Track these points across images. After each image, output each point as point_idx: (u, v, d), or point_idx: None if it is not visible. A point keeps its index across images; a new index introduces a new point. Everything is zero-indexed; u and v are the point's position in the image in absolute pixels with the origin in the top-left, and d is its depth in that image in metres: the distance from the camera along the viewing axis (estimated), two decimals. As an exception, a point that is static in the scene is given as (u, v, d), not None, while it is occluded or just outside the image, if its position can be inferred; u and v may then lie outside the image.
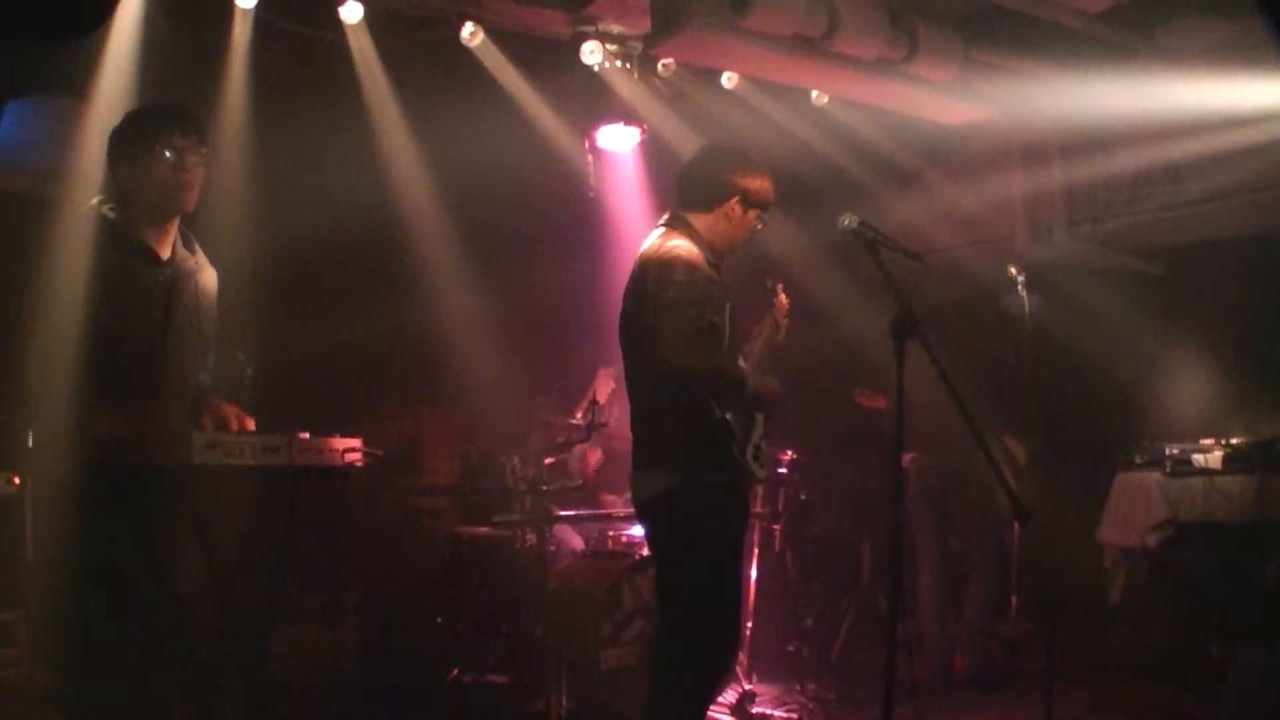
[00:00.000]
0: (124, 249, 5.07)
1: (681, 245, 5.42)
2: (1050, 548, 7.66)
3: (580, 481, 8.57)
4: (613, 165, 9.56)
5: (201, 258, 5.42)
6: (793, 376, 6.08)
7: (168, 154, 5.10)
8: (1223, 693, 7.53)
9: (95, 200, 5.17)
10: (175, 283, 5.21)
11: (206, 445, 4.77)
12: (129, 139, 5.16)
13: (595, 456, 9.10)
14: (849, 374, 9.77)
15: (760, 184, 5.66)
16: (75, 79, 7.18)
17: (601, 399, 8.34)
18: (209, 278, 5.46)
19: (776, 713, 7.77)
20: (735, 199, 5.60)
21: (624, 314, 5.58)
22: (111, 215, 5.11)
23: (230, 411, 5.24)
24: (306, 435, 5.12)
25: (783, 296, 6.07)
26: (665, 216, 5.69)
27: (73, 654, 4.92)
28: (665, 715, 5.36)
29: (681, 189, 5.73)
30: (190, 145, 5.17)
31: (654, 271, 5.34)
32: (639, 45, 8.72)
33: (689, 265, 5.33)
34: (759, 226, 5.74)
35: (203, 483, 4.96)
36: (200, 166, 5.22)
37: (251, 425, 5.22)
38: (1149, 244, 10.69)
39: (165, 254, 5.20)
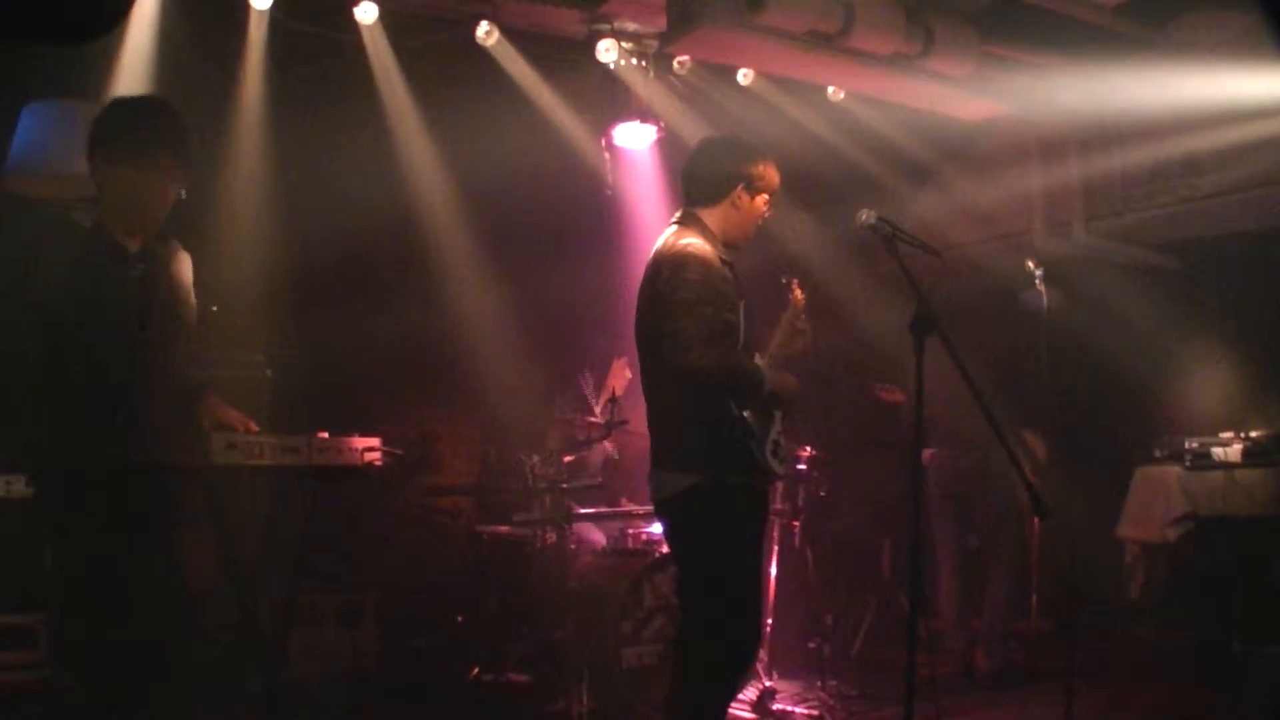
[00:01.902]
0: (91, 248, 5.04)
1: (694, 243, 5.41)
2: (1069, 545, 7.63)
3: (600, 479, 8.58)
4: (629, 163, 9.57)
5: (173, 244, 5.35)
6: (811, 373, 6.07)
7: (153, 173, 5.06)
8: (1244, 689, 7.52)
9: (65, 205, 5.15)
10: (147, 276, 5.17)
11: (226, 446, 4.79)
12: (119, 143, 5.07)
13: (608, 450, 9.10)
14: (868, 370, 9.77)
15: (762, 168, 5.65)
16: (91, 82, 7.19)
17: (619, 391, 8.32)
18: (181, 263, 5.38)
19: (797, 710, 7.76)
20: (740, 187, 5.59)
21: (639, 314, 5.57)
22: (78, 218, 5.09)
23: (234, 416, 5.24)
24: (325, 435, 5.13)
25: (798, 292, 6.05)
26: (677, 214, 5.68)
27: (93, 655, 4.92)
28: (686, 713, 5.36)
29: (686, 186, 5.73)
30: (178, 167, 5.13)
31: (668, 271, 5.34)
32: (654, 43, 8.72)
33: (702, 263, 5.33)
34: (768, 212, 5.73)
35: (222, 483, 4.96)
36: (179, 187, 5.18)
37: (255, 429, 5.22)
38: (1167, 238, 10.68)
39: (134, 247, 5.17)
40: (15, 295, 4.97)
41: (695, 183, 5.68)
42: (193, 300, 5.44)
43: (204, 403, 5.28)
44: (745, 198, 5.61)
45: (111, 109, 5.24)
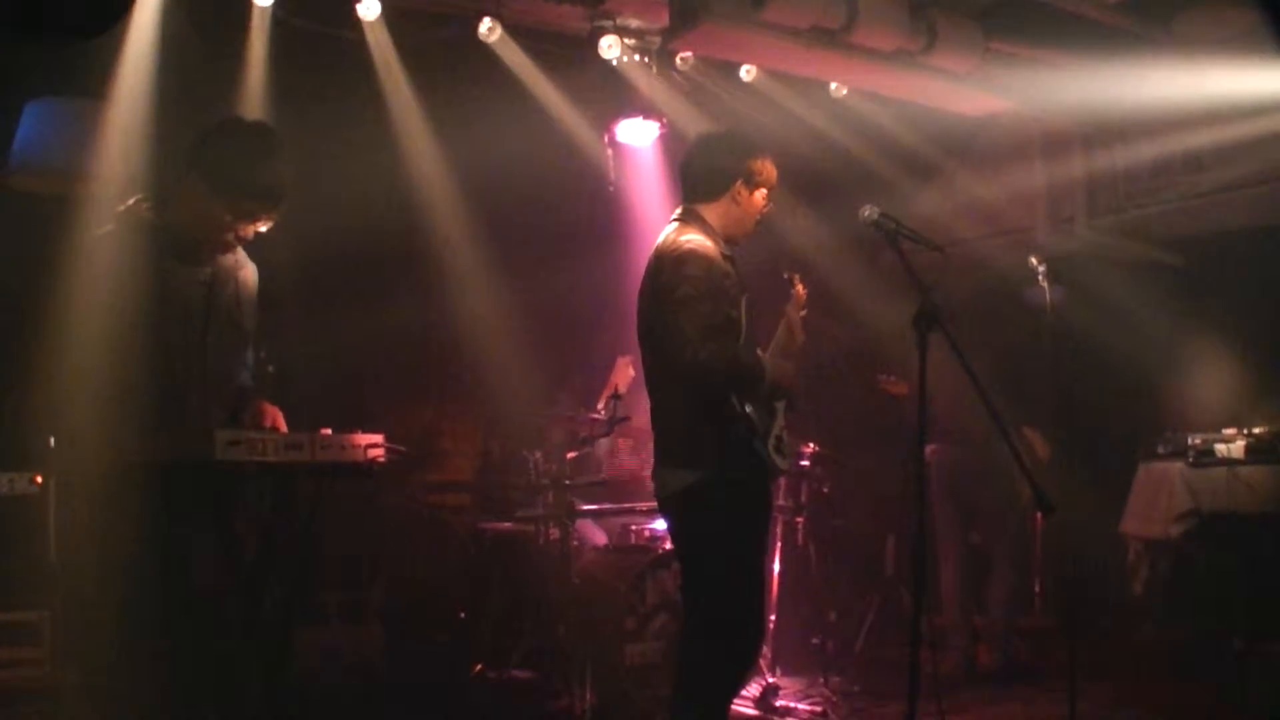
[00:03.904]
0: (162, 248, 5.06)
1: (695, 239, 5.40)
2: (1072, 541, 7.63)
3: (604, 476, 8.57)
4: (632, 159, 9.56)
5: (241, 254, 5.41)
6: (814, 369, 6.08)
7: (245, 220, 5.12)
8: (1246, 686, 7.51)
9: (132, 200, 5.14)
10: (215, 280, 5.21)
11: (229, 442, 4.77)
12: (231, 186, 5.09)
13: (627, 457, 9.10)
14: (871, 366, 9.76)
15: (761, 163, 5.64)
16: (94, 79, 7.19)
17: (622, 389, 8.31)
18: (249, 274, 5.46)
19: (800, 706, 7.77)
20: (739, 182, 5.58)
21: (640, 311, 5.57)
22: (150, 215, 5.10)
23: (269, 410, 5.27)
24: (329, 432, 5.12)
25: (800, 287, 6.05)
26: (678, 211, 5.68)
27: (99, 653, 4.92)
28: (689, 710, 5.35)
29: (685, 182, 5.72)
30: (264, 223, 5.19)
31: (669, 267, 5.33)
32: (657, 39, 8.72)
33: (704, 259, 5.32)
34: (768, 207, 5.73)
35: (225, 480, 4.96)
36: (251, 235, 5.24)
37: (284, 427, 5.24)
38: (1170, 234, 10.68)
39: (203, 253, 5.20)
40: (74, 291, 4.99)
41: (695, 178, 5.68)
42: (255, 309, 5.47)
43: (247, 404, 5.33)
44: (745, 193, 5.60)
45: (242, 142, 5.26)
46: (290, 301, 7.94)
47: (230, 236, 5.18)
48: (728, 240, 5.57)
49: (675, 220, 5.62)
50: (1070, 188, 10.52)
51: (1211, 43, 8.55)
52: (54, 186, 7.02)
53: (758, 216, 5.71)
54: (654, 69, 8.86)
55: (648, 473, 5.70)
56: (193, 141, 5.20)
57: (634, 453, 9.03)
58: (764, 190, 5.66)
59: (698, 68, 9.08)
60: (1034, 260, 7.47)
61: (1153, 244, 10.85)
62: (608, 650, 7.32)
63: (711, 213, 5.60)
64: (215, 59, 7.92)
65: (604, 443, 8.68)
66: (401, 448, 5.41)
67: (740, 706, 7.45)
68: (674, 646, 6.84)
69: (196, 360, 5.12)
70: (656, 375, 5.52)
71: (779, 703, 7.73)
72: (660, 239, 5.54)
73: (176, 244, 5.10)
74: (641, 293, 5.54)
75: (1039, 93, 9.30)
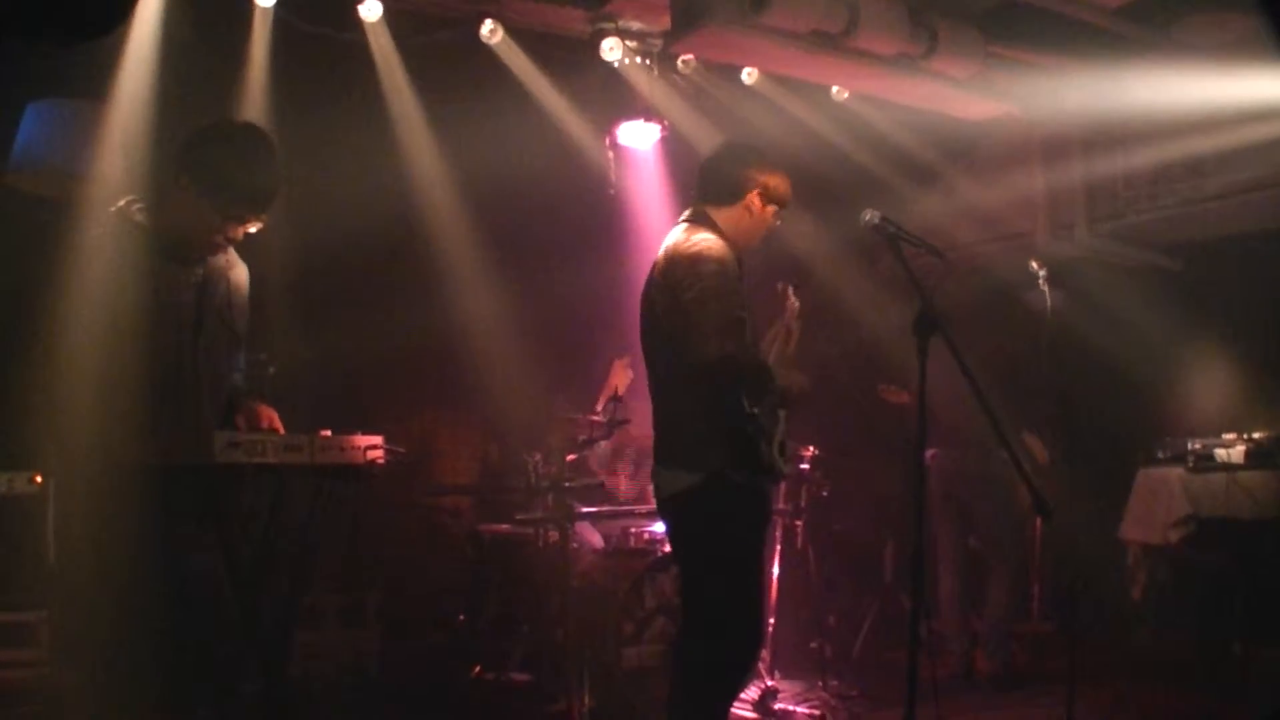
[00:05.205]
0: (154, 250, 5.06)
1: (709, 239, 5.43)
2: (1071, 546, 7.62)
3: (602, 479, 8.56)
4: (633, 162, 9.55)
5: (232, 255, 5.40)
6: (814, 373, 6.07)
7: (235, 223, 5.10)
8: (1245, 691, 7.51)
9: (123, 201, 5.14)
10: (206, 281, 5.21)
11: (228, 444, 4.77)
12: (222, 191, 5.06)
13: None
14: (871, 370, 9.76)
15: (780, 181, 5.71)
16: (95, 80, 7.19)
17: (621, 391, 8.30)
18: (240, 274, 5.44)
19: (799, 709, 7.76)
20: (757, 193, 5.63)
21: (648, 310, 5.56)
22: (140, 218, 5.09)
23: (265, 412, 5.26)
24: (328, 433, 5.12)
25: (793, 300, 6.04)
26: (688, 212, 5.70)
27: (98, 654, 4.91)
28: (687, 713, 5.35)
29: (703, 183, 5.75)
30: (254, 225, 5.18)
31: (684, 264, 5.34)
32: (659, 42, 8.73)
33: (719, 259, 5.34)
34: (776, 224, 5.76)
35: (224, 481, 4.95)
36: (254, 228, 5.23)
37: (281, 429, 5.24)
38: (1170, 240, 10.67)
39: (194, 254, 5.20)
40: (71, 292, 4.98)
41: (713, 181, 5.71)
42: (246, 310, 5.47)
43: (240, 405, 5.32)
44: (759, 204, 5.65)
45: (231, 144, 5.22)
46: (290, 303, 7.94)
47: (220, 238, 5.17)
48: (732, 247, 5.58)
49: (685, 221, 5.64)
50: (1070, 193, 10.51)
51: (1212, 48, 8.56)
52: (55, 187, 7.01)
53: (764, 231, 5.74)
54: (655, 72, 8.88)
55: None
56: (182, 143, 5.19)
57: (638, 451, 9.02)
58: (775, 207, 5.70)
59: (699, 71, 9.09)
60: (1034, 265, 7.48)
61: (1153, 249, 10.85)
62: (606, 653, 7.32)
63: (723, 216, 5.63)
64: (216, 60, 7.91)
65: (603, 445, 8.67)
66: (400, 449, 5.41)
67: (739, 710, 7.43)
68: (672, 650, 6.85)
69: (190, 362, 5.11)
70: (664, 374, 5.52)
71: (777, 706, 7.72)
72: (671, 238, 5.55)
73: (167, 246, 5.09)
74: (648, 291, 5.55)
75: (1040, 98, 9.31)
